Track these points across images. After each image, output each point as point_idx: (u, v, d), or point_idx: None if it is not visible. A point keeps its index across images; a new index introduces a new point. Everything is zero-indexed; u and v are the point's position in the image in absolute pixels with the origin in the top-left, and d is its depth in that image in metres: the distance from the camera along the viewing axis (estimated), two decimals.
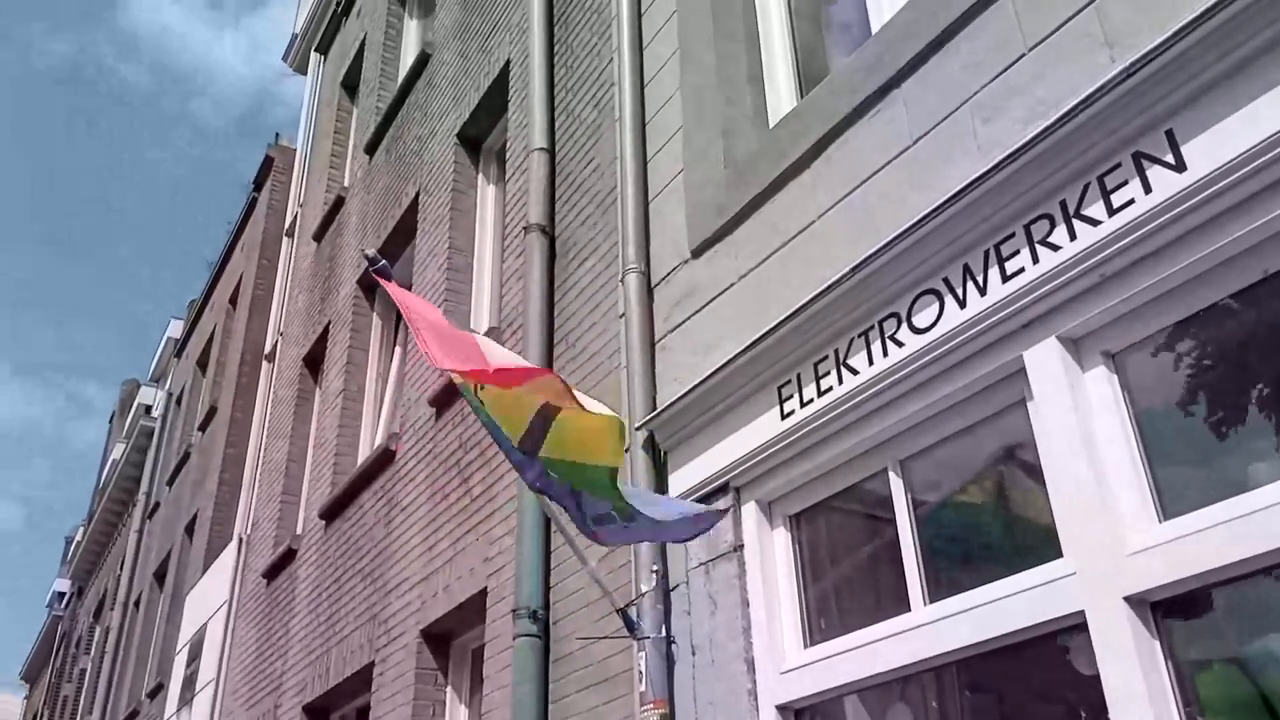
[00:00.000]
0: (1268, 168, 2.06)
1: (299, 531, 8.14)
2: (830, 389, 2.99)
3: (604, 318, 4.37)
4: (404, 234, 7.43)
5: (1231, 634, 2.12)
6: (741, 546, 3.26)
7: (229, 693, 8.71)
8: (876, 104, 3.13)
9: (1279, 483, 2.01)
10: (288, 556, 7.94)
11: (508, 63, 6.18)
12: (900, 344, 2.79)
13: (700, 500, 3.43)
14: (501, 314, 5.50)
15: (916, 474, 2.88)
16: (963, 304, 2.63)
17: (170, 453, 16.16)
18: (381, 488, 6.39)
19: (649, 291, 4.06)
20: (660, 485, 3.65)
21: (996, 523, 2.74)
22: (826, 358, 3.04)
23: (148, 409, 19.60)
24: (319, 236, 9.99)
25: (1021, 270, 2.49)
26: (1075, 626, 2.27)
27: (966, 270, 2.64)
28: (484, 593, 4.71)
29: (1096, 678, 2.17)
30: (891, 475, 2.90)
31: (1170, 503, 2.21)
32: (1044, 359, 2.45)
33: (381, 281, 3.19)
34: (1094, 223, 2.34)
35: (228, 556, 9.57)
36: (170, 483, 14.96)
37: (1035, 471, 2.48)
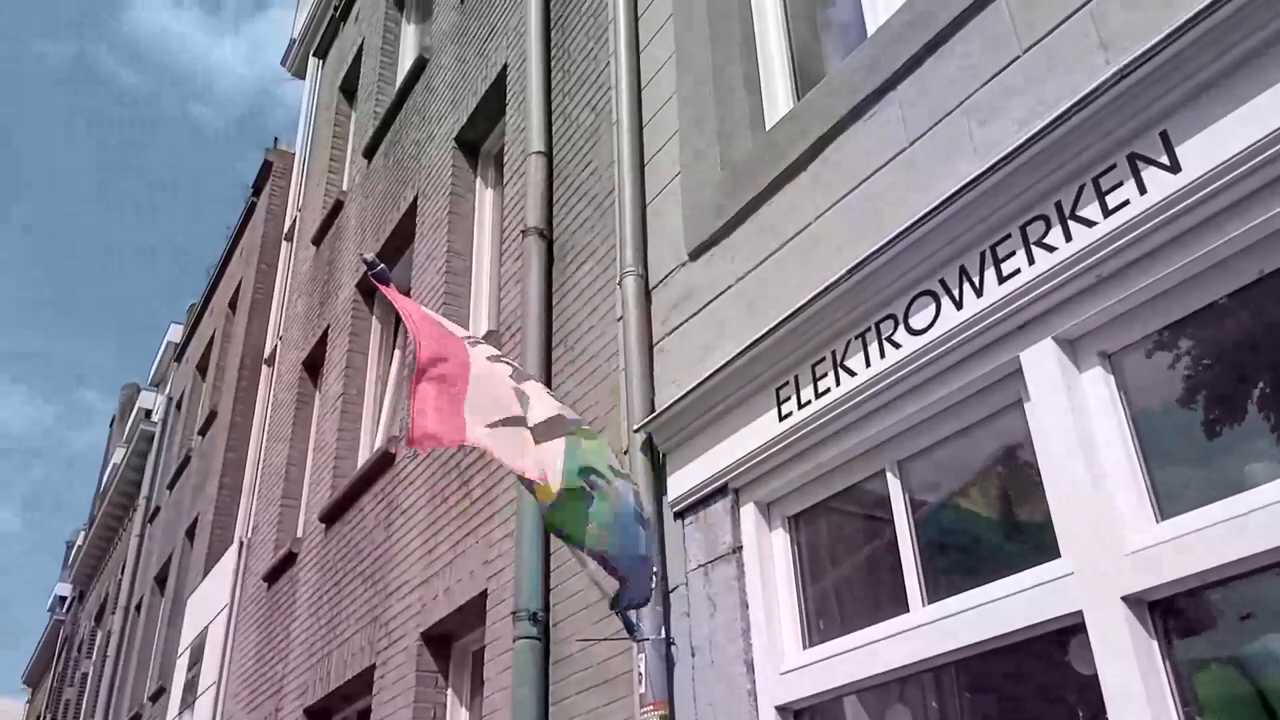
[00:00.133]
0: (1262, 168, 2.06)
1: (299, 535, 8.15)
2: (828, 390, 2.99)
3: (602, 320, 4.37)
4: (402, 238, 7.44)
5: (1229, 634, 2.13)
6: (740, 548, 3.27)
7: (230, 696, 8.72)
8: (873, 106, 3.14)
9: (1276, 482, 2.02)
10: (288, 560, 7.95)
11: (505, 67, 6.18)
12: (897, 345, 2.80)
13: (699, 501, 3.44)
14: (500, 317, 5.50)
15: (914, 475, 2.89)
16: (959, 305, 2.64)
17: (170, 457, 16.18)
18: (381, 491, 6.39)
19: (647, 294, 4.06)
20: (659, 487, 3.66)
21: (994, 523, 2.75)
22: (824, 359, 3.04)
23: (148, 413, 19.65)
24: (318, 240, 10.00)
25: (1018, 271, 2.49)
26: (1073, 626, 2.28)
27: (963, 271, 2.65)
28: (484, 595, 4.72)
29: (1095, 678, 2.18)
30: (890, 476, 2.91)
31: (1168, 503, 2.22)
32: (1040, 360, 2.45)
33: (380, 286, 3.20)
34: (1089, 224, 2.35)
35: (228, 560, 9.58)
36: (171, 487, 14.97)
37: (1033, 472, 2.48)
